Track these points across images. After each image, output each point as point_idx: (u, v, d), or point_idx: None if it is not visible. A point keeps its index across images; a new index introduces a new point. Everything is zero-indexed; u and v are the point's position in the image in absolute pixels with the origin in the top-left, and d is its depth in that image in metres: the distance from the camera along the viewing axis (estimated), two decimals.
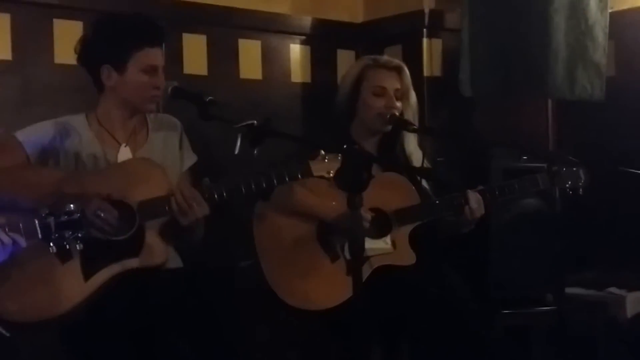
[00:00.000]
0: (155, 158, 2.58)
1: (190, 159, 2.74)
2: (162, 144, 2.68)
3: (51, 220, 2.21)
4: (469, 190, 2.78)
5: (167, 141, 2.69)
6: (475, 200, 2.77)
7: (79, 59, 2.63)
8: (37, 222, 2.22)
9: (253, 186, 2.47)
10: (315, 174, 2.45)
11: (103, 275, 2.38)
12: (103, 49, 2.56)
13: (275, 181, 2.49)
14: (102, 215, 2.34)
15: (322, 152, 2.40)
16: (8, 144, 2.53)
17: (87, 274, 2.37)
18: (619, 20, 3.56)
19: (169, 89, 2.56)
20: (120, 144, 2.61)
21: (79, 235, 2.23)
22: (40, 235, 2.22)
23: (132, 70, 2.55)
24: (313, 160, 2.44)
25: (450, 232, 2.89)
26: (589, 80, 3.52)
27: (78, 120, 2.61)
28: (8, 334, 2.29)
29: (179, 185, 2.49)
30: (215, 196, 2.46)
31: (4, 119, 2.94)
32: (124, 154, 2.60)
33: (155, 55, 2.57)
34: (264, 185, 2.48)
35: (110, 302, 2.36)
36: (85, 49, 2.61)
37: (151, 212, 2.43)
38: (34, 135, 2.54)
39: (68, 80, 3.05)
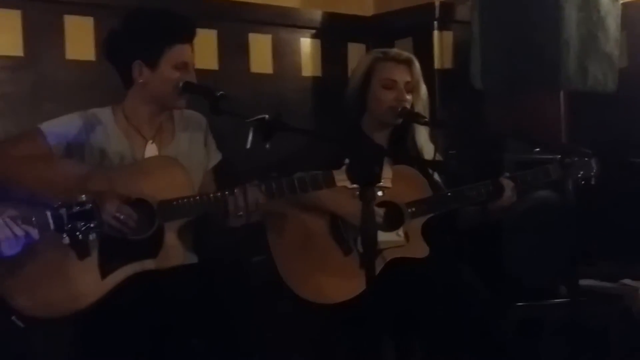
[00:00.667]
0: (181, 157, 2.57)
1: (215, 157, 2.73)
2: (188, 143, 2.66)
3: (63, 211, 2.21)
4: (503, 178, 2.80)
5: (193, 140, 2.68)
6: (510, 187, 2.78)
7: (106, 54, 2.61)
8: (49, 213, 2.22)
9: (275, 190, 2.48)
10: (338, 184, 2.45)
11: (120, 274, 2.38)
12: (135, 45, 2.54)
13: (298, 189, 2.49)
14: (121, 217, 2.34)
15: (347, 160, 2.39)
16: (30, 134, 2.51)
17: (104, 272, 2.37)
18: (631, 11, 3.55)
19: (180, 84, 2.55)
20: (147, 141, 2.59)
21: (92, 225, 2.23)
22: (52, 227, 2.22)
23: (165, 66, 2.53)
24: (338, 169, 2.45)
25: (475, 222, 2.90)
26: (601, 72, 3.50)
27: (105, 114, 2.58)
28: (23, 325, 2.30)
29: (242, 188, 2.44)
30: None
31: (16, 115, 2.96)
32: (151, 150, 2.59)
33: (187, 52, 2.56)
34: (286, 191, 2.48)
35: (124, 297, 2.36)
36: (115, 45, 2.58)
37: (172, 213, 2.41)
38: (58, 127, 2.51)
39: (79, 76, 3.06)
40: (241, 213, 2.42)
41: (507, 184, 2.80)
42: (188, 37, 2.58)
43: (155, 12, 2.59)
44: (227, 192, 2.44)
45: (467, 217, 2.93)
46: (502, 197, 2.79)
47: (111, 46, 2.59)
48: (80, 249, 2.33)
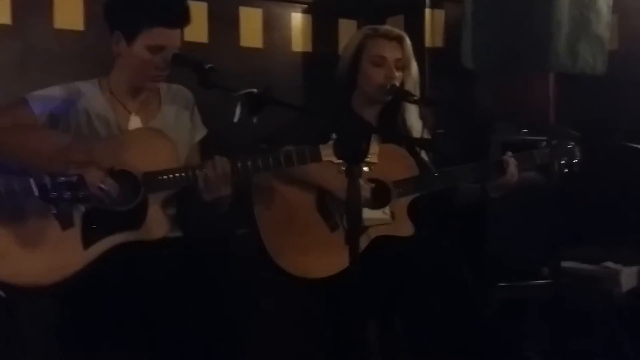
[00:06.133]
0: (167, 130, 2.55)
1: (201, 132, 2.72)
2: (173, 117, 2.65)
3: (47, 180, 2.20)
4: (505, 157, 2.82)
5: (179, 114, 2.66)
6: (514, 165, 2.80)
7: (103, 13, 2.56)
8: (32, 181, 2.21)
9: (260, 164, 2.48)
10: (324, 158, 2.45)
11: (103, 245, 2.38)
12: (118, 15, 2.51)
13: (283, 163, 2.49)
14: (104, 187, 2.33)
15: (334, 135, 2.38)
16: (15, 104, 2.50)
17: (87, 243, 2.37)
18: None
19: (169, 57, 2.53)
20: (130, 114, 2.58)
21: (79, 196, 2.22)
22: (37, 193, 2.21)
23: (139, 45, 2.49)
24: (324, 144, 2.44)
25: (474, 199, 2.91)
26: (592, 54, 3.50)
27: (89, 86, 2.57)
28: (4, 295, 2.30)
29: (212, 161, 2.44)
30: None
31: (3, 84, 2.94)
32: (134, 123, 2.58)
33: (166, 36, 2.49)
34: (272, 165, 2.49)
35: (107, 269, 2.36)
36: (107, 7, 2.55)
37: (156, 184, 2.41)
38: (43, 97, 2.49)
39: (67, 45, 3.05)
40: (211, 186, 2.42)
41: (511, 162, 2.81)
42: (173, 22, 2.50)
43: None
44: (198, 167, 2.44)
45: (465, 194, 2.93)
46: (505, 175, 2.80)
47: (105, 7, 2.54)
48: (64, 219, 2.32)
